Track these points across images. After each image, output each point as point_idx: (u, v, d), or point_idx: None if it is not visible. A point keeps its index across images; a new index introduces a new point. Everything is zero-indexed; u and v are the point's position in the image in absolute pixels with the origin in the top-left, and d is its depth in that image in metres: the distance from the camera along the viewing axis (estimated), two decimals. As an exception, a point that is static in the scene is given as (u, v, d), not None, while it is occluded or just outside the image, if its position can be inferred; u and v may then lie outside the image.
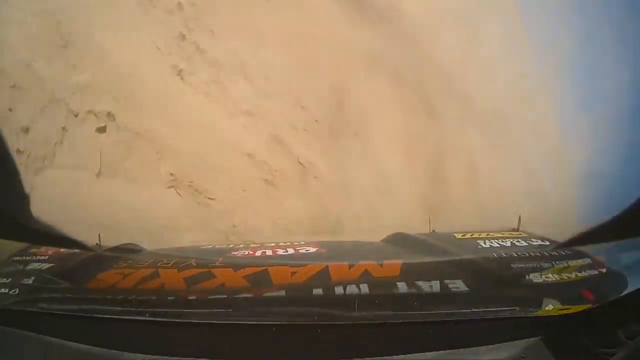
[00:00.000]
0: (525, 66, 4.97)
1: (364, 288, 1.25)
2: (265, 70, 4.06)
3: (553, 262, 1.33)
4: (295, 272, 1.42)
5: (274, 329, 1.20)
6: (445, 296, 1.24)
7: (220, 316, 1.23)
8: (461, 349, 1.18)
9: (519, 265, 1.36)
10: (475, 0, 5.13)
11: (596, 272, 1.31)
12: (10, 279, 1.42)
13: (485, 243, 1.59)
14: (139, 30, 3.63)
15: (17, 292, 1.35)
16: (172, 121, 3.52)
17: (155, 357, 1.19)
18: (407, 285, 1.25)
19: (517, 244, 1.59)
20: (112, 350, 1.21)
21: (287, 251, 1.62)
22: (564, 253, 1.35)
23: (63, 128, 3.13)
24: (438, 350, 1.18)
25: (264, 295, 1.31)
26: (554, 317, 1.17)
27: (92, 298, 1.35)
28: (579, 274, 1.30)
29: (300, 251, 1.63)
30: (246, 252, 1.62)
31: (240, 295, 1.31)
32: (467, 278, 1.28)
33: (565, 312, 1.16)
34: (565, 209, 3.99)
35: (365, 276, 1.33)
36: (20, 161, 2.68)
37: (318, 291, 1.27)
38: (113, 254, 1.64)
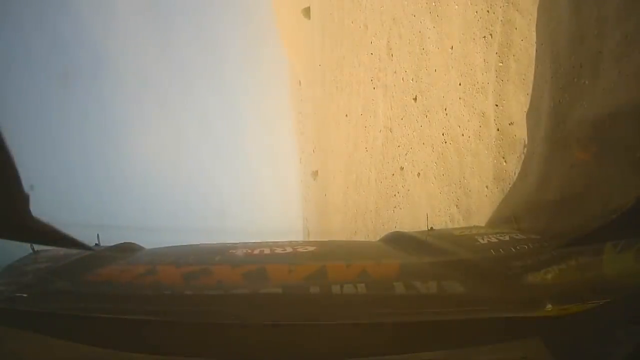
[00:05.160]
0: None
1: (362, 288, 1.25)
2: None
3: (552, 263, 1.33)
4: (292, 271, 1.42)
5: (270, 327, 1.20)
6: (443, 297, 1.24)
7: (218, 316, 1.23)
8: (461, 349, 1.18)
9: (517, 265, 1.36)
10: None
11: (596, 272, 1.31)
12: (10, 279, 1.43)
13: (483, 239, 1.58)
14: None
15: (17, 292, 1.35)
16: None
17: (155, 356, 1.19)
18: (405, 285, 1.25)
19: (516, 237, 1.58)
20: (112, 350, 1.21)
21: (285, 250, 1.62)
22: (563, 253, 1.35)
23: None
24: (438, 350, 1.18)
25: (261, 292, 1.31)
26: (554, 317, 1.16)
27: (90, 294, 1.35)
28: (578, 274, 1.30)
29: (298, 250, 1.63)
30: (244, 251, 1.61)
31: (237, 292, 1.31)
32: (465, 278, 1.28)
33: (565, 312, 1.16)
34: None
35: (363, 276, 1.33)
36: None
37: (315, 290, 1.27)
38: (112, 252, 1.64)
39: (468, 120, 3.27)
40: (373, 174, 5.92)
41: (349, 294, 1.23)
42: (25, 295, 1.33)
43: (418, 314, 1.20)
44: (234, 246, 1.67)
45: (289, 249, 1.62)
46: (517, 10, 2.70)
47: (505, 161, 2.76)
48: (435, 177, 3.85)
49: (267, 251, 1.60)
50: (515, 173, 2.63)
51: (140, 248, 1.75)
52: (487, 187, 2.96)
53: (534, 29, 2.51)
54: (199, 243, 1.79)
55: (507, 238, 1.57)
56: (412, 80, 4.45)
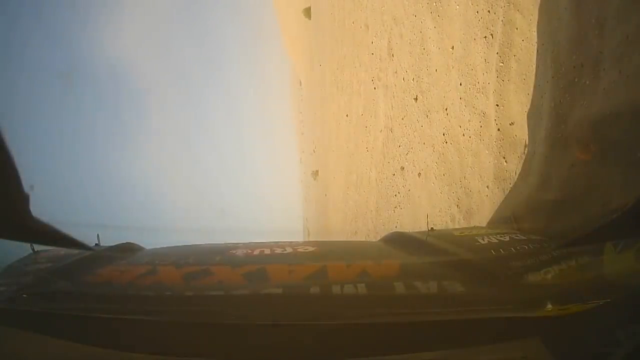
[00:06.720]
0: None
1: (362, 288, 1.25)
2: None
3: (552, 263, 1.33)
4: (292, 271, 1.42)
5: (271, 327, 1.20)
6: (444, 297, 1.24)
7: (218, 316, 1.23)
8: (461, 349, 1.18)
9: (517, 265, 1.36)
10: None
11: (596, 272, 1.30)
12: (10, 279, 1.42)
13: (483, 239, 1.58)
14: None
15: (17, 292, 1.35)
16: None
17: (155, 356, 1.19)
18: (405, 285, 1.25)
19: (516, 238, 1.58)
20: (112, 350, 1.21)
21: (285, 250, 1.61)
22: (563, 253, 1.34)
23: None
24: (438, 350, 1.18)
25: (262, 292, 1.30)
26: (554, 317, 1.16)
27: (90, 295, 1.35)
28: (578, 274, 1.30)
29: (298, 250, 1.62)
30: (245, 251, 1.61)
31: (238, 292, 1.30)
32: (465, 279, 1.28)
33: (565, 312, 1.16)
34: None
35: (363, 276, 1.33)
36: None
37: (315, 290, 1.27)
38: (112, 253, 1.64)
39: (469, 120, 3.26)
40: (373, 174, 5.93)
41: (349, 294, 1.23)
42: (25, 295, 1.33)
43: (418, 314, 1.20)
44: (234, 246, 1.67)
45: (289, 249, 1.62)
46: (517, 10, 2.70)
47: (506, 161, 2.76)
48: (436, 177, 3.85)
49: (267, 251, 1.60)
50: (516, 173, 2.63)
51: (140, 248, 1.74)
52: (487, 187, 2.96)
53: (534, 29, 2.51)
54: (199, 243, 1.78)
55: (507, 238, 1.57)
56: (413, 80, 4.45)
